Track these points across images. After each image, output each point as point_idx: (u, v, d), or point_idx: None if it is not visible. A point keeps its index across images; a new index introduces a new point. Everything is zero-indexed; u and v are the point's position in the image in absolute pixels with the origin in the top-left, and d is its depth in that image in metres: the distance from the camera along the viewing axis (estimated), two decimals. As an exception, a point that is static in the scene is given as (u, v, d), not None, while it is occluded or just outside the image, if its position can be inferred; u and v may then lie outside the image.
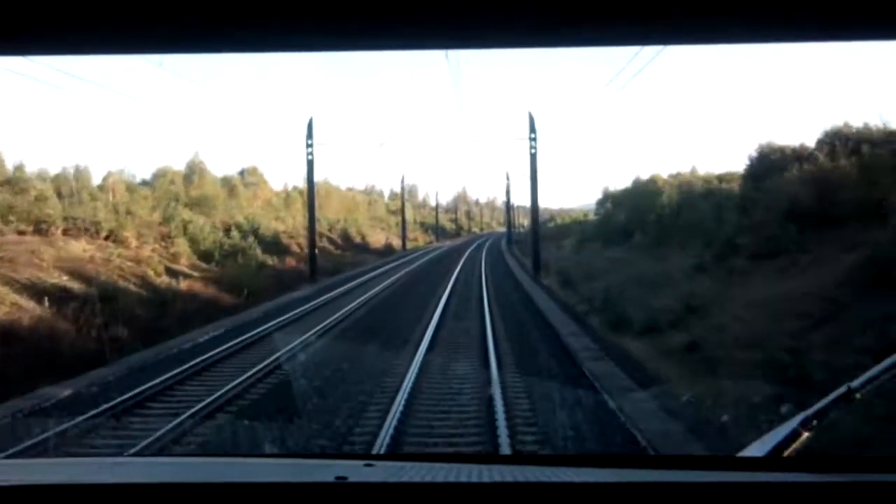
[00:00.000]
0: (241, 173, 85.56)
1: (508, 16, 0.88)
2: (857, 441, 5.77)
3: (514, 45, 1.01)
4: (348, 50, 1.02)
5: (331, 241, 48.79)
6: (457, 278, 26.65)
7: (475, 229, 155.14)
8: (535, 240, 31.02)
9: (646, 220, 30.01)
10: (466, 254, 47.80)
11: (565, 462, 1.56)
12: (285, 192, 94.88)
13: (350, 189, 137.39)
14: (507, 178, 56.11)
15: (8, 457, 6.21)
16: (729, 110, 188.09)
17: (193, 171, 62.73)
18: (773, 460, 1.36)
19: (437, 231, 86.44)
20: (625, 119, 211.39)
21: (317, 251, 42.66)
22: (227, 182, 79.46)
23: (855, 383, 1.41)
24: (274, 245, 36.36)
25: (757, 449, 1.42)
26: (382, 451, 7.05)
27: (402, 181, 57.00)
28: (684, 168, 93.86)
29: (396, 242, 71.44)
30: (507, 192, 56.19)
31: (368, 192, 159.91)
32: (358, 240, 56.05)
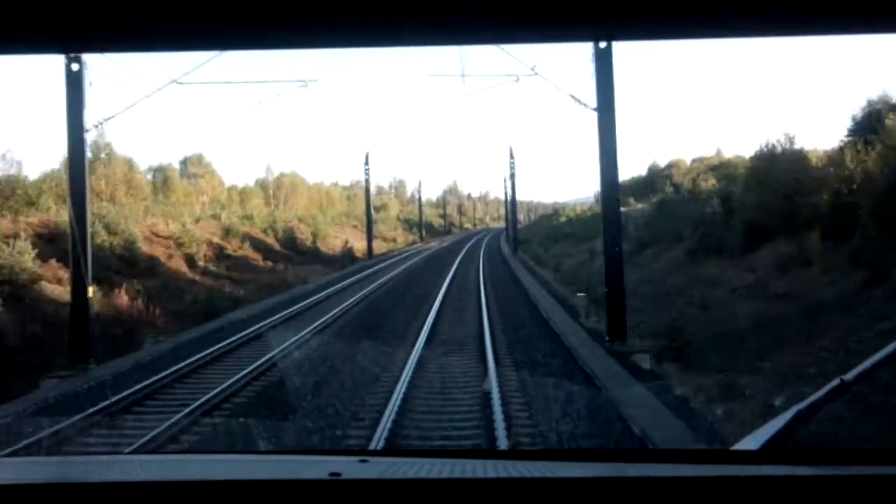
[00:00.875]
0: (183, 163, 70.47)
1: (513, 12, 0.89)
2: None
3: (517, 41, 1.01)
4: (355, 46, 0.99)
5: (260, 248, 33.62)
6: (423, 358, 11.77)
7: (467, 225, 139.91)
8: (613, 259, 14.68)
9: (797, 211, 15.09)
10: (456, 263, 32.86)
11: (561, 457, 1.54)
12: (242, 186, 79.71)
13: (335, 184, 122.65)
14: (511, 155, 40.46)
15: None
16: (739, 95, 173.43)
17: (97, 158, 47.34)
18: (767, 453, 1.34)
19: (422, 228, 71.10)
20: (625, 109, 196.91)
21: (224, 266, 27.76)
22: (160, 172, 64.24)
23: (848, 376, 1.40)
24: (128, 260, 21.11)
25: (751, 442, 1.39)
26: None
27: (367, 158, 40.93)
28: (707, 152, 78.91)
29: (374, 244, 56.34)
30: (511, 172, 40.49)
31: (354, 186, 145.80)
32: (312, 243, 41.01)
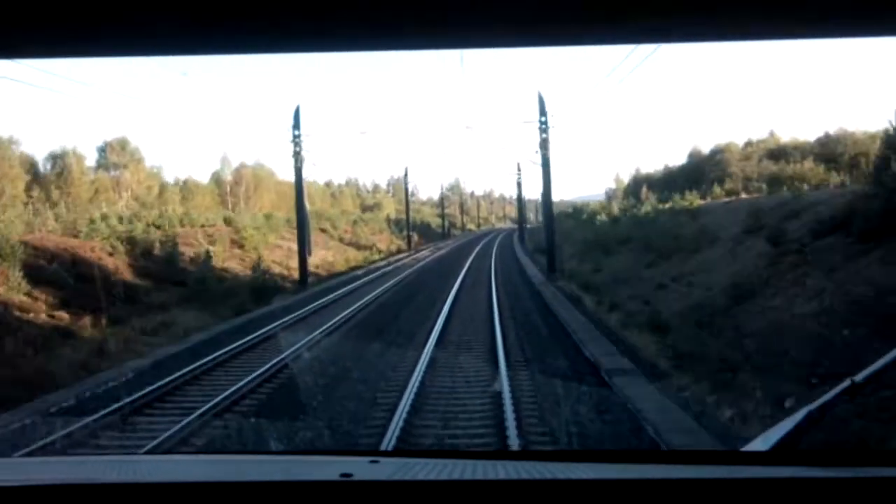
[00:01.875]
0: (101, 150, 54.30)
1: (518, 15, 0.87)
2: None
3: (523, 45, 0.98)
4: (355, 50, 0.97)
5: (60, 282, 17.30)
6: None
7: (470, 226, 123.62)
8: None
9: None
10: (447, 304, 16.74)
11: (571, 458, 1.50)
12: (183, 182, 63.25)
13: (328, 183, 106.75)
14: (541, 109, 22.69)
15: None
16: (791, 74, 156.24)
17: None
18: (777, 454, 1.32)
19: (409, 232, 54.43)
20: (637, 102, 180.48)
21: None
22: (58, 160, 48.46)
23: (858, 377, 1.38)
24: None
25: (761, 443, 1.37)
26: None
27: (296, 116, 23.48)
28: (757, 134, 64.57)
29: (337, 255, 40.26)
30: (543, 136, 22.45)
31: (350, 184, 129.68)
32: (206, 260, 24.77)
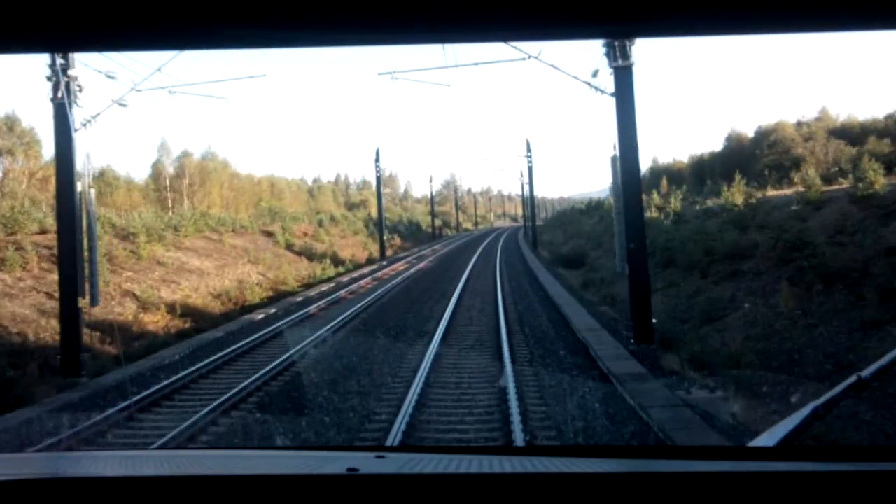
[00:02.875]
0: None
1: (506, 9, 0.86)
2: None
3: (510, 39, 0.95)
4: (343, 45, 0.94)
5: None
6: None
7: (467, 225, 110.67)
8: None
9: None
10: None
11: (577, 453, 1.49)
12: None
13: (318, 179, 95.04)
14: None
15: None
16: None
17: None
18: (783, 449, 1.31)
19: (382, 236, 40.95)
20: (644, 91, 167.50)
21: None
22: None
23: (865, 373, 1.35)
24: None
25: (768, 438, 1.35)
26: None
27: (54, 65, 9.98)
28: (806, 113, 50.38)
29: (269, 271, 27.51)
30: (622, 50, 10.20)
31: (339, 181, 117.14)
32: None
